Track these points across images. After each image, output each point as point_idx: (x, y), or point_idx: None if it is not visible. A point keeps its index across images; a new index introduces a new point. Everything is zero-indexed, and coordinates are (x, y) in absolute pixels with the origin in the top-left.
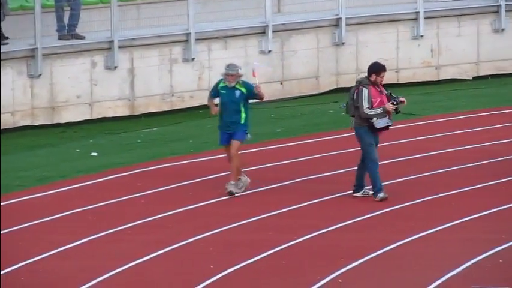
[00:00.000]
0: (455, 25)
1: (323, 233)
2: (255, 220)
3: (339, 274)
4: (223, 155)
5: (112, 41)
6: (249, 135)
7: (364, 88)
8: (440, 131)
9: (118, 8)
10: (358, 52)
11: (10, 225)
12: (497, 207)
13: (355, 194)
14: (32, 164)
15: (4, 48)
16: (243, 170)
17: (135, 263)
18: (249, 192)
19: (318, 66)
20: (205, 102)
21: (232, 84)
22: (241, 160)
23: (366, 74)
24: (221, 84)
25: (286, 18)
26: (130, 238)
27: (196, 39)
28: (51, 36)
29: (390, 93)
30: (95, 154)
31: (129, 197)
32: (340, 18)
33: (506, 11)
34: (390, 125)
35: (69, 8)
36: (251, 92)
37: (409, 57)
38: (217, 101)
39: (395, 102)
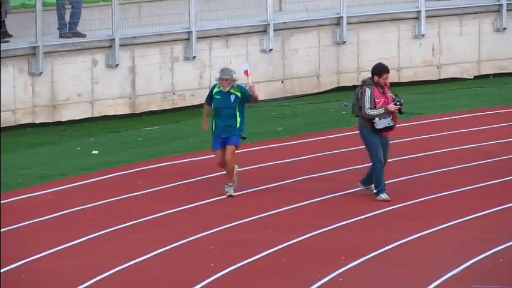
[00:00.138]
0: (456, 24)
1: (323, 231)
2: (255, 219)
3: (339, 273)
4: None
5: (113, 39)
6: (245, 137)
7: (367, 88)
8: (441, 130)
9: (119, 6)
10: (359, 51)
11: (11, 223)
12: (496, 207)
13: (359, 185)
14: (32, 162)
15: (5, 46)
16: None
17: (135, 261)
18: (249, 191)
19: (319, 65)
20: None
21: (227, 89)
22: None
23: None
24: (215, 90)
25: (287, 17)
26: (131, 236)
27: (198, 38)
28: (52, 34)
29: (395, 94)
30: (96, 152)
31: (130, 195)
32: (342, 17)
33: (507, 10)
34: (392, 126)
35: (70, 6)
36: (246, 95)
37: (410, 56)
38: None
39: (398, 103)
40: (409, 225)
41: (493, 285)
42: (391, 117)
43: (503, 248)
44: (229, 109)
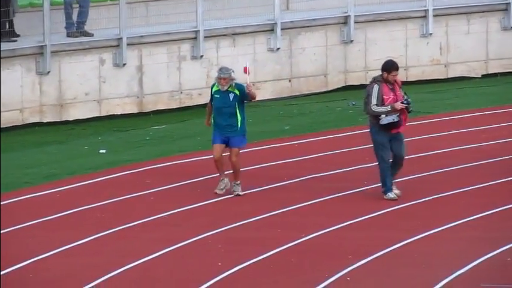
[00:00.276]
0: (464, 23)
1: (330, 230)
2: (263, 218)
3: (347, 272)
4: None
5: (121, 39)
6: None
7: (375, 85)
8: (449, 129)
9: (127, 6)
10: (367, 50)
11: (18, 223)
12: (504, 206)
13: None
14: (40, 161)
15: (13, 45)
16: (226, 172)
17: (143, 260)
18: (257, 190)
19: (327, 64)
20: None
21: (225, 88)
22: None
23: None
24: (214, 89)
25: (294, 16)
26: (139, 235)
27: (205, 37)
28: (59, 33)
29: (405, 93)
30: (104, 151)
31: (138, 194)
32: (349, 15)
33: None
34: (395, 122)
35: (77, 5)
36: (244, 93)
37: (417, 55)
38: None
39: (405, 102)
40: (417, 224)
41: (501, 284)
42: (397, 114)
43: (511, 247)
44: (229, 108)
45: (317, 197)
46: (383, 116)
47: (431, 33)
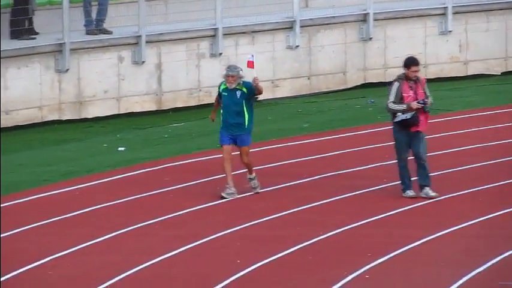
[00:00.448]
0: (483, 20)
1: (349, 228)
2: (281, 215)
3: (366, 270)
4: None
5: (139, 36)
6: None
7: (396, 82)
8: (468, 127)
9: (146, 3)
10: (386, 47)
11: (36, 220)
12: None
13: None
14: (58, 159)
15: (32, 43)
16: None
17: (161, 257)
18: (275, 187)
19: (345, 62)
20: None
21: (233, 86)
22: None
23: None
24: (222, 87)
25: (313, 14)
26: (157, 233)
27: (224, 34)
28: (78, 31)
29: (426, 92)
30: (122, 149)
31: (156, 192)
32: (368, 13)
33: None
34: (408, 119)
35: (97, 3)
36: (251, 89)
37: (436, 52)
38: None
39: (421, 102)
40: (435, 222)
41: None
42: (413, 113)
43: None
44: (236, 105)
45: (336, 194)
46: (399, 113)
47: (450, 31)
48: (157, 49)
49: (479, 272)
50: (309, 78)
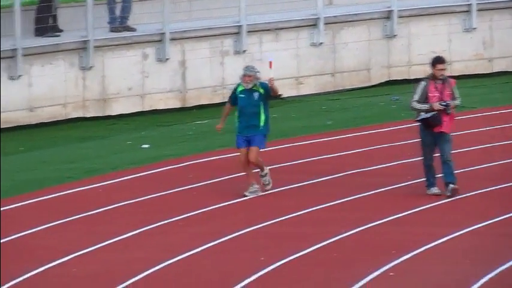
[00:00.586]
0: (507, 17)
1: (374, 225)
2: (305, 213)
3: (390, 267)
4: (273, 148)
5: (163, 33)
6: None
7: (423, 81)
8: (493, 124)
9: (170, 0)
10: (410, 44)
11: (60, 217)
12: None
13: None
14: (82, 156)
15: (56, 40)
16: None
17: (185, 255)
18: (299, 184)
19: (369, 59)
20: None
21: (250, 86)
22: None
23: None
24: (239, 89)
25: (337, 11)
26: (181, 230)
27: (248, 32)
28: (102, 28)
29: (453, 94)
30: (146, 146)
31: (180, 189)
32: (392, 10)
33: None
34: (429, 119)
35: (121, 0)
36: (268, 90)
37: (461, 49)
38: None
39: (443, 103)
40: (459, 219)
41: None
42: (434, 113)
43: None
44: (253, 107)
45: (360, 192)
46: (422, 112)
47: (474, 28)
48: (181, 46)
49: (503, 270)
50: (333, 76)
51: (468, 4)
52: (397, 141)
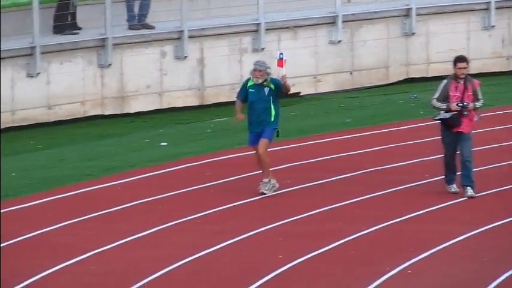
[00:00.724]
0: None
1: (392, 223)
2: (323, 210)
3: (408, 265)
4: (291, 145)
5: (182, 31)
6: (278, 131)
7: (445, 80)
8: (510, 122)
9: None
10: (428, 42)
11: (79, 215)
12: None
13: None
14: (101, 154)
15: (75, 37)
16: (271, 169)
17: (203, 252)
18: (317, 182)
19: (388, 57)
20: None
21: (260, 81)
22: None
23: None
24: (250, 84)
25: (356, 8)
26: (199, 228)
27: (266, 29)
28: (121, 26)
29: (474, 93)
30: (164, 144)
31: (198, 186)
32: (411, 8)
33: None
34: (447, 119)
35: None
36: (279, 87)
37: (479, 47)
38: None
39: (460, 104)
40: (478, 217)
41: None
42: (453, 113)
43: None
44: (264, 102)
45: (378, 189)
46: (442, 111)
47: (493, 26)
48: (200, 44)
49: None
50: (351, 73)
51: (487, 2)
52: (415, 139)
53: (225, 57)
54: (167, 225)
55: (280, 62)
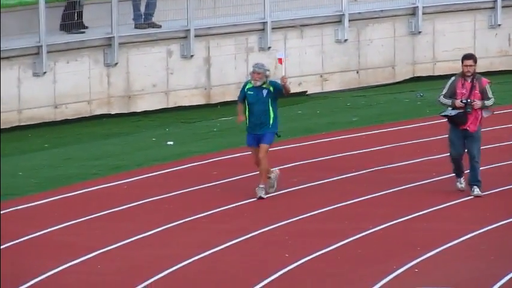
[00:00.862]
0: None
1: (398, 222)
2: (330, 209)
3: (415, 263)
4: (297, 144)
5: (188, 30)
6: (279, 134)
7: (453, 77)
8: None
9: None
10: (435, 41)
11: (85, 214)
12: None
13: (475, 190)
14: (107, 153)
15: (81, 36)
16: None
17: (210, 251)
18: (324, 181)
19: (394, 55)
20: None
21: (258, 83)
22: (269, 163)
23: None
24: (248, 86)
25: (362, 7)
26: (206, 227)
27: (273, 28)
28: (127, 25)
29: (482, 92)
30: (171, 143)
31: (205, 185)
32: (417, 7)
33: None
34: (453, 116)
35: None
36: (278, 89)
37: (486, 46)
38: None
39: (463, 101)
40: (485, 215)
41: None
42: (458, 111)
43: None
44: (262, 104)
45: (385, 188)
46: (449, 108)
47: (499, 24)
48: (206, 43)
49: None
50: (357, 72)
51: (493, 1)
52: (422, 138)
53: (232, 56)
54: (173, 224)
55: (280, 60)
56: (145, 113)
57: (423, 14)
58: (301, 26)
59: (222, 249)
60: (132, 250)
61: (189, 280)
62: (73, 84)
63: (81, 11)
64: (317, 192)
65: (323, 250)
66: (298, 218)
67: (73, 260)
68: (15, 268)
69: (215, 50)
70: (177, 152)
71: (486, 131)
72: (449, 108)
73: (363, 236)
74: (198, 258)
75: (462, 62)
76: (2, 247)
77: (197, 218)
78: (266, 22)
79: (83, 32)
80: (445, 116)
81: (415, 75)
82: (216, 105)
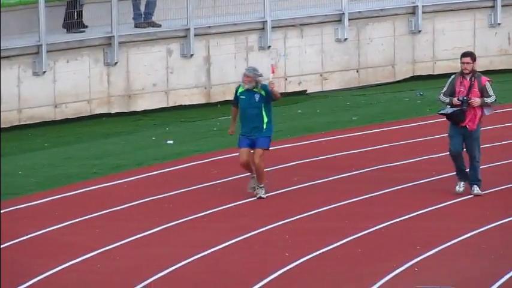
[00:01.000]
0: None
1: (398, 221)
2: (330, 208)
3: (415, 262)
4: (298, 143)
5: (188, 29)
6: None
7: (453, 75)
8: None
9: None
10: (435, 40)
11: (85, 213)
12: None
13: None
14: (107, 152)
15: (81, 36)
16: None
17: (210, 250)
18: (324, 180)
19: (394, 54)
20: (280, 90)
21: (247, 87)
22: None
23: None
24: (240, 90)
25: (362, 6)
26: (206, 226)
27: (273, 27)
28: (127, 24)
29: (481, 90)
30: (171, 142)
31: (205, 185)
32: (417, 6)
33: None
34: (450, 114)
35: None
36: (270, 93)
37: (485, 45)
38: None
39: (460, 99)
40: (485, 214)
41: None
42: (455, 109)
43: None
44: (255, 109)
45: (385, 187)
46: (447, 106)
47: (499, 23)
48: (206, 42)
49: None
50: (357, 71)
51: (493, 0)
52: (422, 137)
53: (232, 55)
54: (173, 223)
55: (272, 68)
56: (145, 112)
57: (423, 13)
58: (301, 25)
59: (222, 248)
60: (132, 249)
61: (189, 279)
62: (73, 84)
63: (81, 10)
64: (317, 191)
65: (323, 249)
66: (298, 217)
67: (73, 259)
68: (15, 267)
69: (215, 49)
70: (177, 151)
71: (486, 130)
72: (448, 106)
73: (363, 235)
74: (198, 258)
75: (460, 59)
76: (2, 246)
77: (197, 217)
78: (266, 21)
79: (83, 31)
80: (443, 114)
81: (415, 74)
82: (216, 104)
